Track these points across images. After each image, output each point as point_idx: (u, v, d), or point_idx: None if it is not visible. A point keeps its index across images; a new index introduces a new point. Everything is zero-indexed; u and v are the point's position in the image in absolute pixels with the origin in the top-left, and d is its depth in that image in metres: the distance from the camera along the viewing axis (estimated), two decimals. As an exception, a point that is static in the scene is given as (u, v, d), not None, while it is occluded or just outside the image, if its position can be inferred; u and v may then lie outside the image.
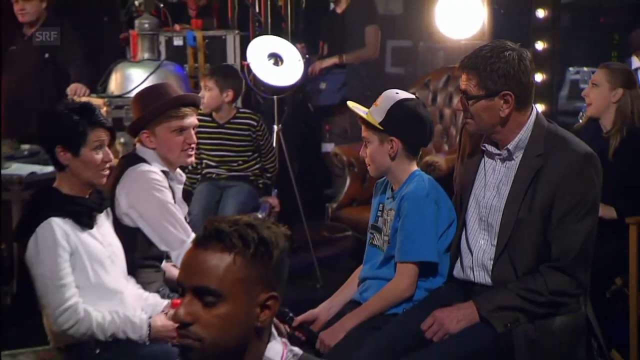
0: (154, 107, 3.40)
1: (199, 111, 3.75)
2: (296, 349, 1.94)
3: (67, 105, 3.07)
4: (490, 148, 3.08)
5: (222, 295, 1.81)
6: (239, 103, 5.68)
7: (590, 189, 2.95)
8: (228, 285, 1.81)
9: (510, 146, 3.02)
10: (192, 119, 3.46)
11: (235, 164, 5.39)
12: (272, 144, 5.59)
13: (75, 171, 3.05)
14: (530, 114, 3.02)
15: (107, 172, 3.10)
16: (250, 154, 5.41)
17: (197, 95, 3.76)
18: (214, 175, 5.38)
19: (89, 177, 3.06)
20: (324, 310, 3.28)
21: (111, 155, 3.09)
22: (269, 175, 5.52)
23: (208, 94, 5.24)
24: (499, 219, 3.02)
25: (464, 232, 3.13)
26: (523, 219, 2.96)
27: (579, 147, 2.99)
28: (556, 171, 2.94)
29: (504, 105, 2.96)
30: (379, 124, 3.18)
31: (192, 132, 3.46)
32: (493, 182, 3.07)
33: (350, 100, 3.47)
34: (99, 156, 3.05)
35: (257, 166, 5.44)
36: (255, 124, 5.38)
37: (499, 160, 3.07)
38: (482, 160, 3.12)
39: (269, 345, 1.90)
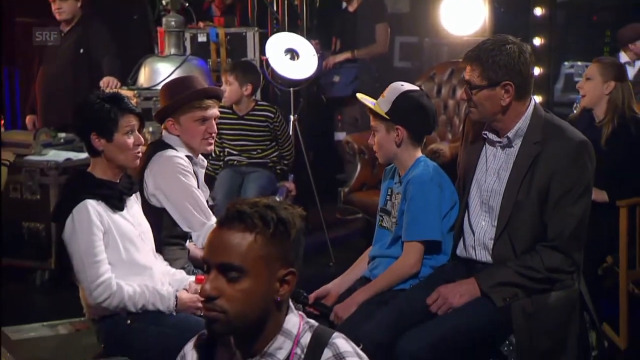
0: (180, 97, 3.40)
1: (220, 104, 3.75)
2: (312, 321, 1.94)
3: (99, 96, 3.07)
4: (492, 136, 3.07)
5: (244, 271, 1.82)
6: (257, 95, 5.68)
7: (584, 174, 2.94)
8: (250, 261, 1.82)
9: (510, 134, 3.01)
10: (214, 111, 3.47)
11: (254, 152, 5.39)
12: (288, 133, 5.57)
13: (109, 155, 3.05)
14: (529, 104, 3.01)
15: (139, 154, 3.11)
16: (268, 142, 5.40)
17: (220, 89, 3.76)
18: (235, 162, 5.38)
19: (123, 160, 3.06)
20: (335, 286, 3.29)
21: (142, 139, 3.09)
22: (285, 162, 5.52)
23: (229, 88, 5.23)
24: (499, 201, 3.01)
25: (466, 214, 3.12)
26: (522, 202, 2.95)
27: (574, 135, 2.98)
28: (553, 157, 2.93)
29: (504, 95, 2.94)
30: (386, 113, 3.18)
31: (214, 122, 3.47)
32: (494, 168, 3.06)
33: (361, 92, 3.47)
34: (131, 140, 3.05)
35: (275, 154, 5.43)
36: (272, 115, 5.37)
37: (499, 147, 3.06)
38: (484, 147, 3.11)
39: (287, 318, 1.90)
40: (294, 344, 1.88)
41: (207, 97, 3.46)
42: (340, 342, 1.88)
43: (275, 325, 1.88)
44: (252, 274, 1.82)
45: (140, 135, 3.09)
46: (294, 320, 1.91)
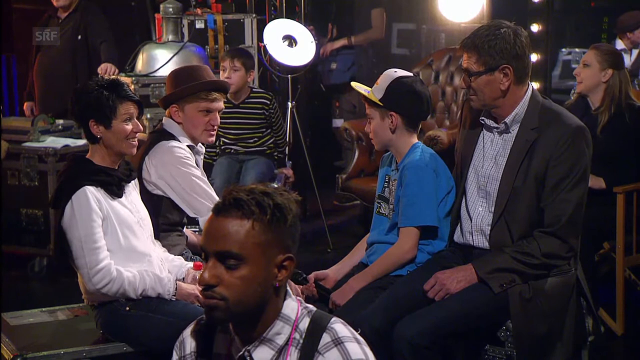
0: (189, 86, 3.40)
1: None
2: (310, 306, 1.95)
3: (97, 82, 3.06)
4: (489, 122, 3.07)
5: (243, 258, 1.82)
6: (255, 82, 5.67)
7: (581, 160, 2.94)
8: (248, 248, 1.82)
9: (508, 120, 3.01)
10: (220, 104, 3.48)
11: (251, 141, 5.34)
12: (282, 120, 5.55)
13: (107, 142, 3.05)
14: (527, 89, 3.01)
15: (136, 142, 3.10)
16: (264, 130, 5.36)
17: (228, 83, 3.75)
18: (232, 151, 5.36)
19: (121, 148, 3.06)
20: (333, 272, 3.30)
21: (140, 126, 3.09)
22: (280, 149, 5.50)
23: (236, 74, 5.14)
24: (496, 187, 3.01)
25: (463, 200, 3.13)
26: (518, 188, 2.96)
27: (571, 120, 2.98)
28: (550, 143, 2.93)
29: (503, 79, 2.95)
30: (379, 100, 3.19)
31: (217, 115, 3.47)
32: (491, 154, 3.07)
33: (358, 78, 3.47)
34: (129, 127, 3.05)
35: (271, 140, 5.41)
36: (268, 102, 5.33)
37: (496, 133, 3.06)
38: (481, 133, 3.11)
39: (285, 303, 1.91)
40: (292, 329, 1.89)
41: (216, 89, 3.46)
42: (339, 326, 1.89)
43: (273, 310, 1.89)
44: (250, 260, 1.83)
45: (138, 123, 3.09)
46: (292, 306, 1.91)
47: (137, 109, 3.09)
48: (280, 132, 5.46)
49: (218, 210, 1.85)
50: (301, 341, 1.88)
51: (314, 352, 1.85)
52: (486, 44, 2.92)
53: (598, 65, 4.28)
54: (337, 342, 1.85)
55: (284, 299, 1.91)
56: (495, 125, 3.05)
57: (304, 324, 1.90)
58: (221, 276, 1.83)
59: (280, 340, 1.88)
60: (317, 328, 1.88)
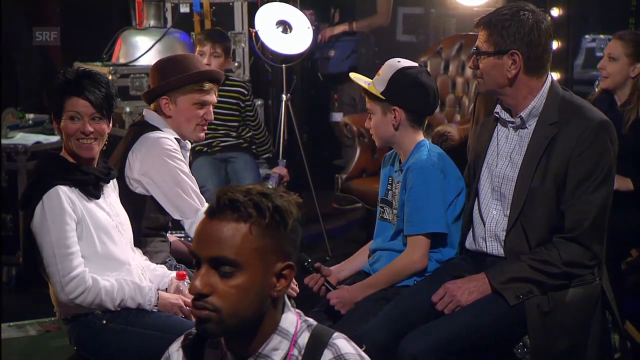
0: (184, 75, 3.41)
1: None
2: (310, 320, 1.95)
3: (65, 74, 3.05)
4: (504, 115, 3.07)
5: (239, 265, 1.82)
6: (246, 72, 5.67)
7: (605, 157, 2.94)
8: (245, 255, 1.82)
9: (524, 114, 3.02)
10: (214, 97, 3.50)
11: (223, 133, 5.30)
12: (258, 115, 5.52)
13: (63, 139, 3.05)
14: (545, 80, 3.02)
15: (91, 144, 3.01)
16: (236, 124, 5.35)
17: (222, 73, 3.74)
18: (205, 150, 5.29)
19: (69, 148, 3.03)
20: (335, 270, 3.30)
21: (89, 128, 2.98)
22: (261, 149, 5.47)
23: (216, 60, 5.15)
24: (511, 188, 3.02)
25: (476, 203, 3.13)
26: (536, 189, 2.96)
27: (593, 114, 2.98)
28: (570, 139, 2.93)
29: (511, 65, 2.96)
30: (381, 93, 3.18)
31: (211, 109, 3.48)
32: (506, 151, 3.07)
33: (359, 68, 3.47)
34: (75, 125, 3.00)
35: (248, 134, 5.38)
36: (245, 92, 5.32)
37: (511, 128, 3.07)
38: (496, 129, 3.11)
39: (284, 316, 1.91)
40: (291, 344, 1.89)
41: (210, 80, 3.47)
42: (342, 342, 1.89)
43: (271, 324, 1.89)
44: (247, 268, 1.83)
45: (88, 124, 2.99)
46: (291, 319, 1.92)
47: (92, 108, 3.00)
48: (259, 130, 5.43)
49: (212, 212, 1.85)
50: (300, 358, 1.88)
51: None
52: (500, 24, 2.95)
53: (626, 59, 4.27)
54: (340, 359, 1.85)
55: (282, 312, 1.91)
56: (511, 119, 3.05)
57: (304, 338, 1.90)
58: (214, 285, 1.82)
59: (278, 356, 1.88)
60: (317, 343, 1.88)
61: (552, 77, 3.06)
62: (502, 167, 3.07)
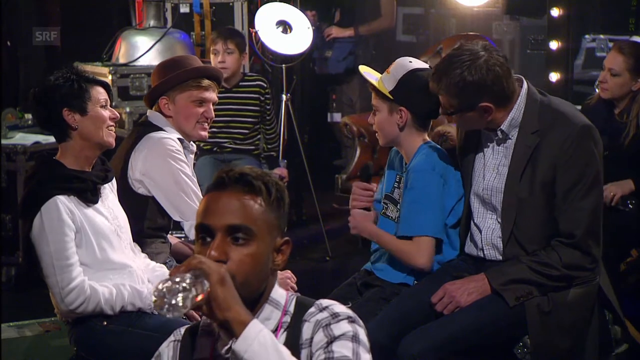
0: (178, 73, 3.41)
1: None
2: (296, 293, 2.05)
3: (60, 72, 3.06)
4: (485, 131, 3.06)
5: (253, 233, 1.89)
6: (246, 70, 5.67)
7: (591, 162, 2.92)
8: (259, 225, 1.90)
9: (504, 126, 3.00)
10: (214, 95, 3.49)
11: (239, 133, 5.33)
12: (273, 112, 5.56)
13: (84, 132, 3.03)
14: (520, 91, 2.99)
15: (114, 131, 3.10)
16: (256, 120, 5.38)
17: (222, 72, 3.74)
18: (214, 148, 5.33)
19: (100, 137, 3.04)
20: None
21: (117, 113, 3.10)
22: (270, 146, 5.49)
23: (231, 57, 5.20)
24: (500, 200, 3.01)
25: (471, 212, 3.12)
26: (526, 200, 2.95)
27: (575, 119, 2.95)
28: (554, 147, 2.91)
29: (485, 114, 2.95)
30: (389, 92, 3.17)
31: (211, 107, 3.48)
32: (493, 164, 3.05)
33: (356, 70, 3.45)
34: (106, 113, 3.06)
35: (258, 136, 5.41)
36: (264, 85, 5.39)
37: (496, 142, 3.05)
38: (481, 142, 3.09)
39: (274, 289, 1.98)
40: (282, 313, 1.95)
41: (208, 76, 3.46)
42: (325, 300, 1.96)
43: (268, 295, 1.95)
44: (260, 237, 1.90)
45: (114, 110, 3.10)
46: (281, 292, 1.99)
47: (108, 95, 3.10)
48: (272, 125, 5.46)
49: (223, 185, 1.92)
50: (289, 321, 1.95)
51: (300, 323, 1.92)
52: (459, 88, 2.90)
53: (628, 74, 4.20)
54: (323, 308, 1.93)
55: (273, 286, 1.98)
56: (493, 133, 3.03)
57: (292, 307, 1.97)
58: (230, 253, 1.87)
59: (270, 325, 1.93)
60: (303, 305, 1.96)
61: (526, 84, 3.01)
62: (489, 179, 3.05)
